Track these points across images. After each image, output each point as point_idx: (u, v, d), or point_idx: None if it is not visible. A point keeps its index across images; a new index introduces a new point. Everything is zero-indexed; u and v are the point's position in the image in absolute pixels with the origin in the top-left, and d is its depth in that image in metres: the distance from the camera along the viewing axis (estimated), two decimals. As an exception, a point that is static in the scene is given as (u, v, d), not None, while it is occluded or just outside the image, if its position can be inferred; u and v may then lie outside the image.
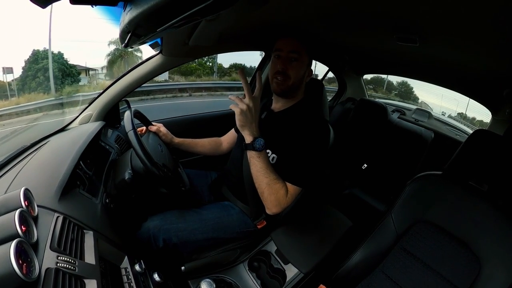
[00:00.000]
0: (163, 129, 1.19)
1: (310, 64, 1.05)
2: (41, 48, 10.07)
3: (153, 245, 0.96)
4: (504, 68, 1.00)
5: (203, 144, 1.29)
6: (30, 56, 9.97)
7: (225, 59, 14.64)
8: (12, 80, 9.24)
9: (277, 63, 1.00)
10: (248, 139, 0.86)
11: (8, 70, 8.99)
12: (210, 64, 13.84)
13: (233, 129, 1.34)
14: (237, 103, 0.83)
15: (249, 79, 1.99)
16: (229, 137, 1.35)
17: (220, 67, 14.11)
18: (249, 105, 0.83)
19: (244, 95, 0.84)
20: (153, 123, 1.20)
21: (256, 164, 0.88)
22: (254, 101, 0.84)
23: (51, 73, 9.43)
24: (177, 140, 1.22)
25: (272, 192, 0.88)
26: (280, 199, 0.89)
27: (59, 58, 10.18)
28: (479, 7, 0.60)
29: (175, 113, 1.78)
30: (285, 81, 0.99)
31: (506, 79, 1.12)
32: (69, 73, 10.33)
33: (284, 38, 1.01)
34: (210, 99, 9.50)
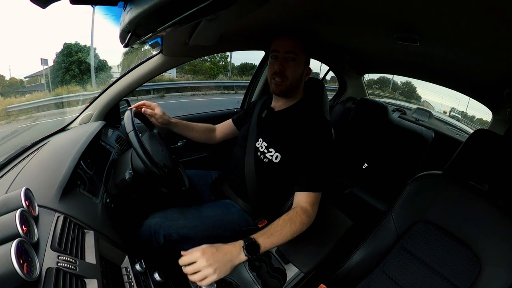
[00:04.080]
0: (158, 110, 1.11)
1: (308, 63, 1.04)
2: (65, 41, 9.99)
3: (154, 241, 0.97)
4: (504, 68, 1.00)
5: (198, 129, 1.26)
6: (62, 48, 9.82)
7: (237, 57, 14.55)
8: (45, 71, 9.18)
9: (275, 64, 0.99)
10: (243, 258, 0.74)
11: (44, 62, 8.99)
12: (223, 63, 13.86)
13: (230, 119, 1.32)
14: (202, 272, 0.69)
15: (249, 78, 1.99)
16: (224, 127, 1.32)
17: (232, 66, 14.09)
18: (205, 261, 0.69)
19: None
20: (146, 102, 1.12)
21: (273, 244, 0.81)
22: (206, 249, 0.71)
23: (92, 67, 9.38)
24: (174, 120, 1.18)
25: (301, 228, 0.86)
26: (308, 221, 0.88)
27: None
28: (479, 7, 0.60)
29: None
30: (283, 82, 0.99)
31: (507, 79, 1.12)
32: (102, 67, 10.29)
33: (279, 38, 1.00)
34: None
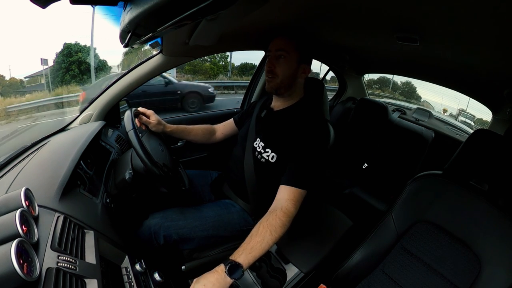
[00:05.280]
0: (153, 118, 1.10)
1: (304, 61, 1.02)
2: (65, 41, 9.89)
3: (154, 242, 0.97)
4: (504, 67, 1.00)
5: (196, 132, 1.26)
6: (62, 49, 9.68)
7: (237, 57, 14.46)
8: (45, 71, 9.14)
9: (267, 63, 1.02)
10: (230, 281, 0.73)
11: (44, 62, 8.88)
12: (223, 63, 13.84)
13: (231, 119, 1.33)
14: None
15: (249, 78, 1.99)
16: (226, 127, 1.33)
17: (232, 66, 14.05)
18: None
19: None
20: (141, 109, 1.10)
21: (257, 255, 0.78)
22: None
23: (92, 67, 9.30)
24: (169, 128, 1.16)
25: (282, 231, 0.83)
26: (291, 218, 0.86)
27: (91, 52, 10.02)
28: (479, 7, 0.60)
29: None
30: (273, 79, 1.00)
31: (507, 79, 1.12)
32: (102, 67, 10.17)
33: (274, 39, 1.02)
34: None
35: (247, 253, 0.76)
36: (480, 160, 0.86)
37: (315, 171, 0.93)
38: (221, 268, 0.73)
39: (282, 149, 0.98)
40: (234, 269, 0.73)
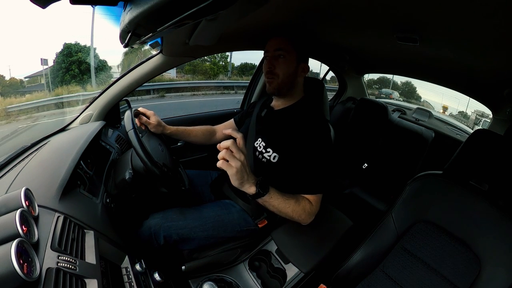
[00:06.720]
0: (153, 119, 1.10)
1: (303, 60, 1.02)
2: (66, 41, 9.99)
3: (154, 242, 0.97)
4: (504, 68, 1.00)
5: (196, 133, 1.27)
6: (62, 49, 9.84)
7: (237, 57, 14.54)
8: (45, 71, 9.17)
9: (266, 63, 1.01)
10: (251, 190, 0.80)
11: (44, 62, 8.97)
12: (223, 63, 13.87)
13: (232, 120, 1.33)
14: (228, 160, 0.75)
15: (249, 78, 1.99)
16: (226, 127, 1.33)
17: (232, 66, 14.08)
18: (242, 160, 0.76)
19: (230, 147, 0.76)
20: (142, 109, 1.10)
21: (273, 204, 0.86)
22: (245, 153, 0.77)
23: (92, 67, 9.37)
24: (169, 130, 1.17)
25: (301, 213, 0.90)
26: (310, 212, 0.92)
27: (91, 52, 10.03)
28: (479, 7, 0.60)
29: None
30: (274, 80, 1.00)
31: (507, 79, 1.12)
32: (102, 67, 10.27)
33: (270, 39, 1.02)
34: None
35: (276, 192, 0.86)
36: (480, 160, 0.86)
37: (326, 174, 0.95)
38: (256, 179, 0.81)
39: (284, 150, 0.98)
40: (263, 185, 0.81)
